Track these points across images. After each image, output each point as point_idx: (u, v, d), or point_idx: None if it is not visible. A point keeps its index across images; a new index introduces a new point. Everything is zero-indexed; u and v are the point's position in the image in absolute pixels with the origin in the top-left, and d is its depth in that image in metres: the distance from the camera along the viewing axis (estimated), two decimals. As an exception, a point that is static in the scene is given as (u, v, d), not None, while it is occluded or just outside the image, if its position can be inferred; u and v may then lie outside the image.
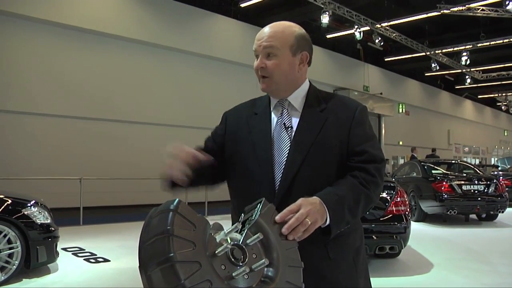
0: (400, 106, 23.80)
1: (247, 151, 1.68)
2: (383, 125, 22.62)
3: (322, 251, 1.55)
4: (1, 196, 5.10)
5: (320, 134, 1.60)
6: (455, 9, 15.29)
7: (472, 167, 12.55)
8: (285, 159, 1.60)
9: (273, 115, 1.72)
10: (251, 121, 1.74)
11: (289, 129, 1.65)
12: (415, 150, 17.01)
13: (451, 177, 10.39)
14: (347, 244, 1.61)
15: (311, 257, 1.48)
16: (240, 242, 1.23)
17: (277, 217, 1.35)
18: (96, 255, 6.43)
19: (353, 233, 1.64)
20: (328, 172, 1.59)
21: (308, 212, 1.37)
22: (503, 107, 33.86)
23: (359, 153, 1.60)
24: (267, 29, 1.67)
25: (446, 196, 9.78)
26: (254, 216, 1.34)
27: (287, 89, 1.69)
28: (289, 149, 1.61)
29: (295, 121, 1.66)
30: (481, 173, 11.54)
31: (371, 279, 1.75)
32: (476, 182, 10.20)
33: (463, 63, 19.97)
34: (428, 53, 20.48)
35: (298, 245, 1.36)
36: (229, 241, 1.23)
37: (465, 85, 25.35)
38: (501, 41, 18.50)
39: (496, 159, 28.25)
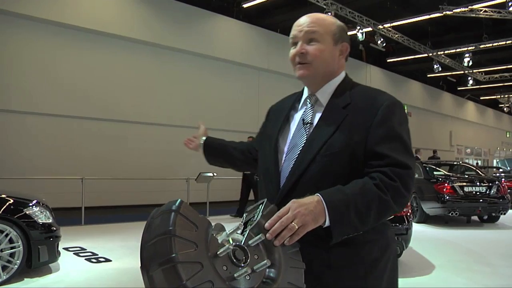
0: (402, 107, 23.76)
1: (268, 145, 1.67)
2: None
3: (324, 257, 1.45)
4: (3, 196, 5.10)
5: (336, 133, 1.49)
6: (458, 10, 15.27)
7: (474, 168, 12.53)
8: (296, 156, 1.54)
9: (300, 111, 1.67)
10: (279, 116, 1.72)
11: (308, 125, 1.57)
12: (419, 152, 16.96)
13: (453, 178, 10.37)
14: (358, 255, 1.47)
15: (310, 261, 1.41)
16: (242, 243, 1.23)
17: (266, 224, 1.30)
18: (97, 255, 6.44)
19: (370, 244, 1.49)
20: (337, 174, 1.46)
21: (295, 215, 1.29)
22: (505, 109, 33.77)
23: (377, 156, 1.44)
24: (307, 17, 1.61)
25: (447, 197, 9.77)
26: (256, 217, 1.33)
27: (322, 81, 1.62)
28: (302, 146, 1.54)
29: (318, 118, 1.58)
30: (483, 174, 11.52)
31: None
32: (478, 183, 10.18)
33: (466, 64, 19.93)
34: (430, 54, 20.45)
35: (300, 246, 1.36)
36: (231, 242, 1.23)
37: (467, 86, 25.32)
38: (504, 42, 18.45)
39: (497, 160, 28.18)
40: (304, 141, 1.54)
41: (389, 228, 1.60)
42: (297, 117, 1.65)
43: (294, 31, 1.61)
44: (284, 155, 1.58)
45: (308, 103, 1.64)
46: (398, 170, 1.41)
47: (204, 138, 2.11)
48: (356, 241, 1.45)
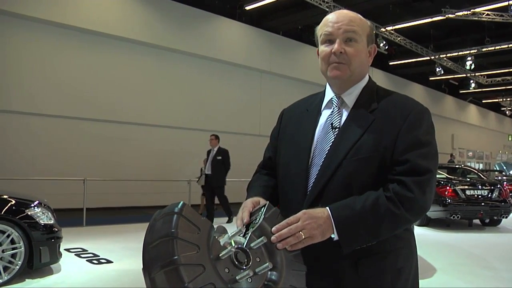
0: (404, 110, 23.70)
1: (290, 150, 1.60)
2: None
3: (351, 268, 1.43)
4: (5, 197, 5.11)
5: (362, 138, 1.45)
6: (460, 13, 15.26)
7: (476, 172, 12.51)
8: (322, 161, 1.49)
9: (324, 113, 1.60)
10: (300, 118, 1.65)
11: (336, 130, 1.52)
12: (453, 155, 16.99)
13: (454, 181, 10.37)
14: (384, 264, 1.45)
15: (338, 273, 1.42)
16: (244, 246, 1.24)
17: (274, 228, 1.30)
18: (99, 256, 6.44)
19: (395, 252, 1.47)
20: (365, 180, 1.43)
21: (304, 226, 1.30)
22: (507, 112, 33.74)
23: (401, 162, 1.41)
24: (342, 14, 1.54)
25: (449, 200, 9.75)
26: (258, 219, 1.34)
27: (353, 82, 1.57)
28: (328, 151, 1.50)
29: (343, 121, 1.53)
30: (485, 178, 11.50)
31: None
32: (479, 187, 10.17)
33: (468, 67, 19.89)
34: (432, 57, 20.43)
35: (324, 258, 1.35)
36: (233, 244, 1.23)
37: (469, 89, 25.26)
38: (506, 45, 18.42)
39: (494, 164, 28.19)
40: (330, 146, 1.50)
41: (412, 235, 1.58)
42: (321, 120, 1.59)
43: (329, 27, 1.53)
44: (310, 160, 1.53)
45: (334, 105, 1.58)
46: (418, 178, 1.38)
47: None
48: (382, 250, 1.44)
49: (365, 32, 1.55)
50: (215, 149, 9.92)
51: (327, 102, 1.61)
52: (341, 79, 1.54)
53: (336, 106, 1.57)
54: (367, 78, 1.61)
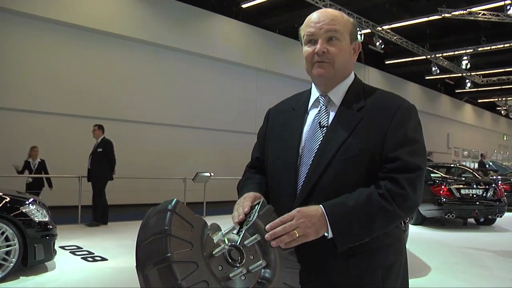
0: (400, 109, 23.73)
1: (278, 149, 1.60)
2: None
3: (342, 266, 1.43)
4: (0, 194, 5.09)
5: (351, 136, 1.45)
6: (456, 13, 15.29)
7: (471, 171, 12.55)
8: (311, 160, 1.49)
9: (311, 112, 1.60)
10: (287, 117, 1.64)
11: (324, 128, 1.52)
12: (431, 155, 17.04)
13: (449, 181, 10.40)
14: (374, 261, 1.46)
15: (329, 271, 1.43)
16: (238, 243, 1.23)
17: (268, 226, 1.30)
18: (93, 253, 6.43)
19: (385, 249, 1.48)
20: (354, 179, 1.43)
21: (298, 224, 1.29)
22: (502, 112, 33.88)
23: (391, 160, 1.42)
24: (324, 13, 1.55)
25: (444, 199, 9.79)
26: (252, 217, 1.33)
27: (338, 80, 1.57)
28: (317, 149, 1.49)
29: (331, 119, 1.53)
30: (480, 177, 11.55)
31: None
32: (474, 186, 10.20)
33: (464, 67, 19.97)
34: (428, 56, 20.47)
35: (317, 256, 1.35)
36: (227, 242, 1.22)
37: (465, 89, 25.35)
38: (502, 45, 18.49)
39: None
40: (319, 144, 1.50)
41: (402, 232, 1.60)
42: (308, 119, 1.59)
43: (311, 28, 1.53)
44: (299, 159, 1.53)
45: (321, 104, 1.58)
46: (409, 175, 1.40)
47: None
48: (372, 247, 1.45)
49: (347, 29, 1.55)
50: (98, 140, 9.20)
51: (314, 101, 1.61)
52: (325, 77, 1.54)
53: (323, 105, 1.57)
54: (352, 75, 1.62)
